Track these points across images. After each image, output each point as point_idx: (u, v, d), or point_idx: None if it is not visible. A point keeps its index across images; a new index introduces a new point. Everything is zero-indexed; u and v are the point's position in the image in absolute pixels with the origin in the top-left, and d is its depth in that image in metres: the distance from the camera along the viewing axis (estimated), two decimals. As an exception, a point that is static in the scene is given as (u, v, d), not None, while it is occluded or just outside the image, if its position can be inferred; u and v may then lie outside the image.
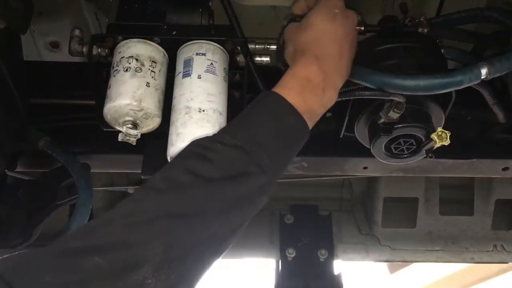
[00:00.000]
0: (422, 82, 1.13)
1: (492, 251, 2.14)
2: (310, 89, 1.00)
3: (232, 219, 0.90)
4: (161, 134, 1.16)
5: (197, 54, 1.19)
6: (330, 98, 1.03)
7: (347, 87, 1.15)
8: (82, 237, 0.84)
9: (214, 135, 0.98)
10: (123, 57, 1.17)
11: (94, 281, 0.76)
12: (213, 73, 1.18)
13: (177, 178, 0.90)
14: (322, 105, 1.02)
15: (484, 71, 1.10)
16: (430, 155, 1.27)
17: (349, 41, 1.07)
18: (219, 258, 0.91)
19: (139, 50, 1.18)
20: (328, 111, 1.25)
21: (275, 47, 1.29)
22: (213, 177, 0.89)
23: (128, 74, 1.14)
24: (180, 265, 0.83)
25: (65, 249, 0.81)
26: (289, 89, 0.99)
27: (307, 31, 1.06)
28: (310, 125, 1.00)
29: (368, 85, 1.15)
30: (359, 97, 1.18)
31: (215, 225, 0.88)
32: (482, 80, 1.12)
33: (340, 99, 1.15)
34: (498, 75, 1.12)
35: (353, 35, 1.10)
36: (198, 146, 0.96)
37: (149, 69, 1.16)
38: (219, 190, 0.89)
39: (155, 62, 1.18)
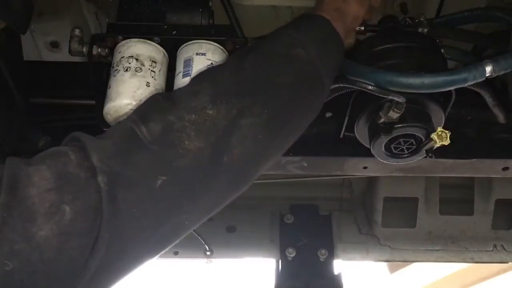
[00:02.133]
0: (426, 79, 1.13)
1: (492, 251, 2.13)
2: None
3: (269, 65, 0.97)
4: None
5: (197, 54, 1.20)
6: (328, 1, 1.12)
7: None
8: None
9: None
10: (123, 57, 1.17)
11: (157, 108, 0.87)
12: (213, 73, 1.18)
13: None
14: (328, 2, 1.11)
15: (488, 69, 1.10)
16: (430, 155, 1.27)
17: None
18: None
19: (139, 50, 1.18)
20: (328, 111, 1.26)
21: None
22: (240, 49, 1.05)
23: (128, 74, 1.14)
24: (238, 101, 0.88)
25: None
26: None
27: None
28: (329, 16, 1.08)
29: (371, 83, 1.15)
30: (362, 89, 1.18)
31: (253, 68, 0.95)
32: (487, 78, 1.12)
33: (344, 88, 1.21)
34: (502, 72, 1.11)
35: None
36: None
37: (149, 69, 1.16)
38: (246, 51, 1.00)
39: (155, 62, 1.18)
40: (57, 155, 0.75)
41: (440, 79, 1.12)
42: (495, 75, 1.11)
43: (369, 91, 1.17)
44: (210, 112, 0.85)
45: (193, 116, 0.84)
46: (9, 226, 0.65)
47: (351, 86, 1.21)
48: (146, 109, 0.86)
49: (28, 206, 0.66)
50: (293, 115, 0.97)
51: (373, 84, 1.16)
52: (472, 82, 1.12)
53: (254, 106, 0.89)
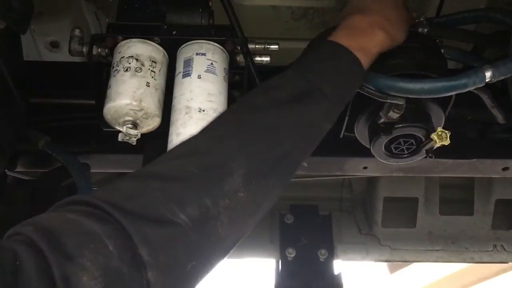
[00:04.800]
0: (426, 85, 1.13)
1: (492, 251, 2.13)
2: (357, 32, 1.09)
3: (301, 141, 0.97)
4: (161, 134, 1.16)
5: (197, 54, 1.20)
6: (381, 37, 1.11)
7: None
8: (173, 151, 0.93)
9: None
10: (123, 57, 1.17)
11: (194, 186, 0.83)
12: (213, 73, 1.18)
13: (249, 100, 1.01)
14: (375, 44, 1.10)
15: (488, 74, 1.11)
16: (430, 155, 1.27)
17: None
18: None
19: (139, 50, 1.18)
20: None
21: (275, 47, 1.30)
22: (281, 98, 0.96)
23: (128, 74, 1.14)
24: (264, 183, 0.88)
25: (156, 162, 0.89)
26: (338, 35, 1.08)
27: None
28: (367, 62, 1.07)
29: (372, 88, 1.16)
30: (363, 92, 1.18)
31: (288, 144, 0.93)
32: (486, 83, 1.12)
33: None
34: (502, 78, 1.12)
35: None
36: (265, 82, 1.04)
37: (149, 69, 1.16)
38: (287, 109, 0.96)
39: (155, 62, 1.18)
40: (91, 240, 0.72)
41: (440, 84, 1.13)
42: (494, 81, 1.11)
43: (370, 95, 1.18)
44: (241, 195, 0.85)
45: (227, 201, 0.84)
46: None
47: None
48: (187, 189, 0.83)
49: None
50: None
51: (373, 88, 1.16)
52: (472, 88, 1.13)
53: (275, 187, 0.91)
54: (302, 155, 0.98)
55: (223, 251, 0.86)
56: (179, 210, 0.79)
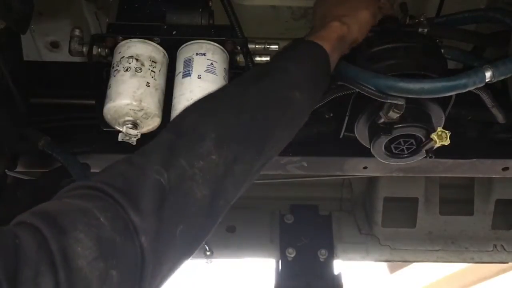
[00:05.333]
0: (426, 85, 1.13)
1: (492, 251, 2.13)
2: (315, 31, 1.18)
3: (269, 109, 1.01)
4: (161, 134, 1.16)
5: (197, 54, 1.20)
6: (335, 26, 1.17)
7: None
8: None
9: None
10: (123, 57, 1.17)
11: (170, 151, 0.89)
12: (213, 73, 1.18)
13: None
14: (330, 31, 1.16)
15: (488, 74, 1.11)
16: (430, 155, 1.27)
17: None
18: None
19: (139, 50, 1.18)
20: (329, 111, 1.26)
21: (275, 47, 1.30)
22: (243, 79, 1.05)
23: (128, 74, 1.15)
24: (236, 147, 0.94)
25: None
26: (309, 35, 1.17)
27: None
28: (328, 46, 1.13)
29: (372, 88, 1.16)
30: (362, 92, 1.18)
31: (254, 112, 0.99)
32: (486, 83, 1.12)
33: (344, 88, 1.23)
34: (502, 78, 1.12)
35: None
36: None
37: (149, 69, 1.16)
38: (248, 85, 1.03)
39: (155, 62, 1.18)
40: (84, 215, 0.78)
41: (440, 84, 1.13)
42: (494, 81, 1.12)
43: (370, 95, 1.18)
44: (214, 157, 0.91)
45: (201, 162, 0.89)
46: None
47: (351, 87, 1.21)
48: (165, 154, 0.89)
49: (82, 277, 0.73)
50: (280, 148, 1.06)
51: (373, 88, 1.16)
52: (472, 88, 1.13)
53: (248, 152, 0.96)
54: (276, 124, 1.02)
55: (206, 215, 0.90)
56: (164, 170, 0.86)
